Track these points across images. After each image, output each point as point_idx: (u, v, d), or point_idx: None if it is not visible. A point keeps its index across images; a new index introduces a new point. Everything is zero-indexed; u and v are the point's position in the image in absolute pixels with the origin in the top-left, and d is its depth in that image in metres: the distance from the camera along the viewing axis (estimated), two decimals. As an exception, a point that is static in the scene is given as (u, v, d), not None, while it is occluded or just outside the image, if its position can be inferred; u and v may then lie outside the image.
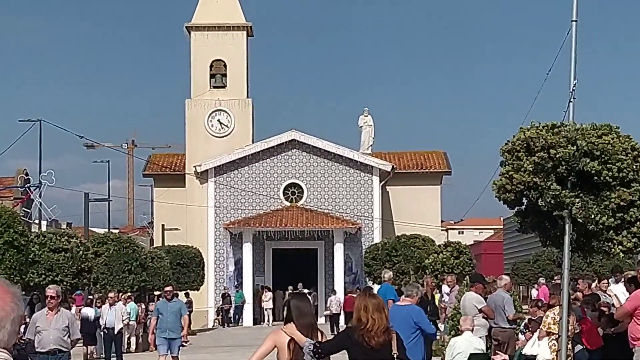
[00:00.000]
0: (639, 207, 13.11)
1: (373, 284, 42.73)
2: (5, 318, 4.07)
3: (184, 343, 33.33)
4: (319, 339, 9.62)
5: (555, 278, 31.82)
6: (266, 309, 51.08)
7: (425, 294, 21.26)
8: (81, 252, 30.07)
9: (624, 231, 13.13)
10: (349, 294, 42.28)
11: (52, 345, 14.89)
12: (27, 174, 56.92)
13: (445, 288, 26.82)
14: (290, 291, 47.90)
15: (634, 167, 13.10)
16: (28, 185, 53.98)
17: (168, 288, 22.67)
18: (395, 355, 9.38)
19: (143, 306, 35.10)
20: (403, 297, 15.63)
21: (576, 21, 13.69)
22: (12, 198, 56.61)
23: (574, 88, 13.62)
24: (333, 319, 42.46)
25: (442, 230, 67.66)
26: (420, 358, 15.02)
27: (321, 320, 48.18)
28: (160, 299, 23.77)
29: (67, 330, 15.06)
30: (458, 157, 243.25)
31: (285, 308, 10.09)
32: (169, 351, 21.45)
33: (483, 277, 21.13)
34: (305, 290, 47.99)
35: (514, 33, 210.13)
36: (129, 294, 35.47)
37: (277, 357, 9.79)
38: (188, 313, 22.75)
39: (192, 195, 55.34)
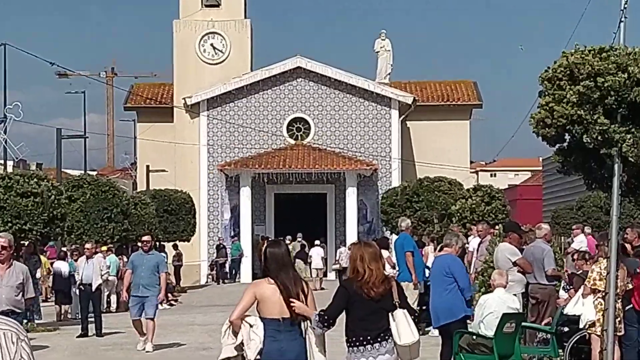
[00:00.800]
0: (700, 144, 13.04)
1: (391, 234, 42.85)
2: None
3: (172, 303, 33.48)
4: (305, 289, 9.94)
5: (573, 226, 31.69)
6: (267, 263, 51.25)
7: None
8: (53, 197, 29.98)
9: (683, 172, 13.09)
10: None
11: (4, 305, 13.90)
12: (-10, 107, 56.88)
13: (471, 239, 26.75)
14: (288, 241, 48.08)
15: (694, 97, 13.00)
16: (-9, 119, 53.99)
17: (146, 238, 22.49)
18: (397, 304, 9.78)
19: (125, 259, 35.24)
20: (436, 247, 15.70)
21: None
22: (-27, 135, 56.57)
23: (626, 5, 13.50)
24: (342, 273, 42.65)
25: (471, 172, 67.77)
26: (462, 311, 15.11)
27: (331, 275, 48.45)
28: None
29: (21, 287, 14.21)
30: (490, 88, 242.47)
31: (263, 258, 10.28)
32: (144, 313, 21.27)
33: (519, 226, 21.11)
34: (317, 242, 48.08)
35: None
36: (109, 245, 35.63)
37: (257, 310, 9.96)
38: (167, 271, 22.64)
39: (181, 132, 55.36)
